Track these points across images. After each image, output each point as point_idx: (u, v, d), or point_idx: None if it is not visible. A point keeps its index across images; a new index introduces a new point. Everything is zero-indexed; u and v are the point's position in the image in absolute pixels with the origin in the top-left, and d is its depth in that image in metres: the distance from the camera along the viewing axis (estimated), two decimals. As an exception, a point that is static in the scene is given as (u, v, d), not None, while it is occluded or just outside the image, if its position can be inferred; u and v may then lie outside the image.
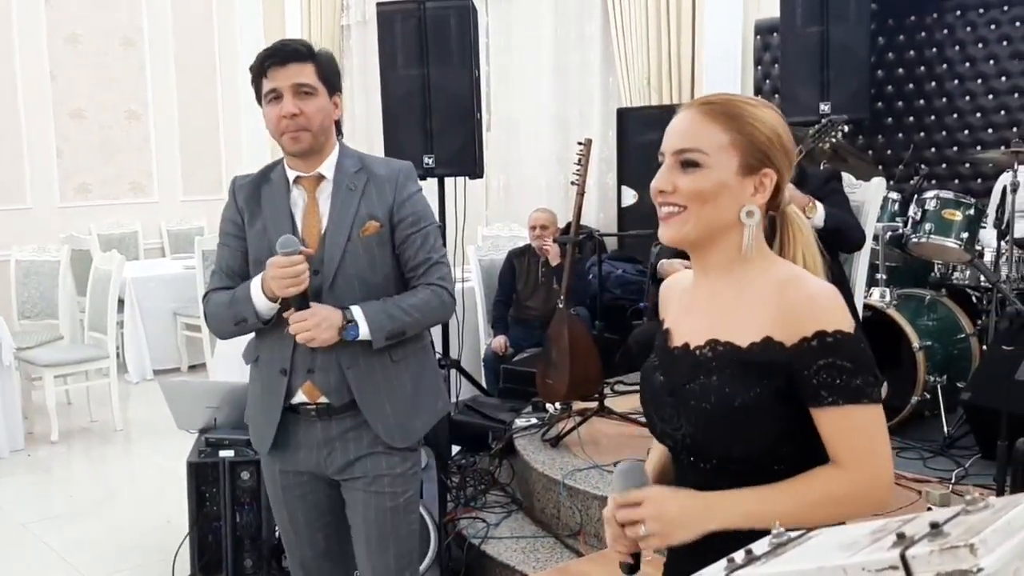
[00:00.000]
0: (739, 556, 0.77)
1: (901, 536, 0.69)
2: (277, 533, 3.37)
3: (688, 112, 1.39)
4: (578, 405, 3.96)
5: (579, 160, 3.87)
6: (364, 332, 2.08)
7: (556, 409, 4.00)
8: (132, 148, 8.31)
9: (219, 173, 8.79)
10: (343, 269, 2.13)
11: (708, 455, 1.37)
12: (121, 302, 6.16)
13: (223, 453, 3.25)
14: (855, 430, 1.28)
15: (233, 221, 2.23)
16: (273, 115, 2.11)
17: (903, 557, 0.67)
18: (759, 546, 0.79)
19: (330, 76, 2.16)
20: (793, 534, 0.81)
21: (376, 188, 2.18)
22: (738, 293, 1.37)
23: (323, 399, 2.16)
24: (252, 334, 2.25)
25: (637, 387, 1.62)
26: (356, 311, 2.08)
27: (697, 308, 1.43)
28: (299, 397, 2.17)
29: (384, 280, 2.18)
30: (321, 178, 2.18)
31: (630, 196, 5.77)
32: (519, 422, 3.98)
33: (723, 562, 0.77)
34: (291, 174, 2.19)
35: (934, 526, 0.68)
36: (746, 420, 1.30)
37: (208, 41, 8.65)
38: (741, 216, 1.36)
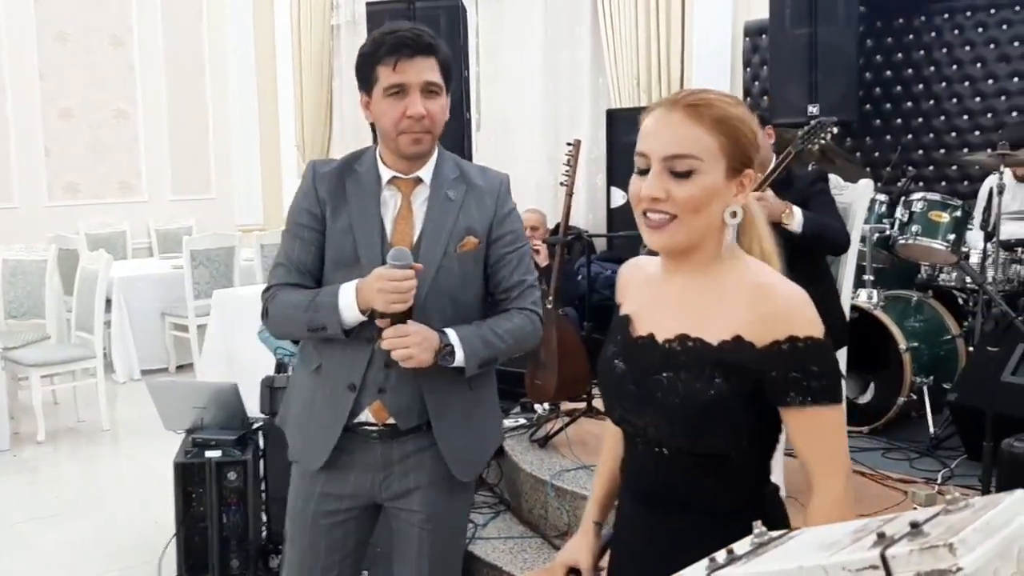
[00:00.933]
0: (720, 556, 0.77)
1: (881, 536, 0.69)
2: (264, 534, 3.36)
3: (673, 114, 1.33)
4: (566, 405, 3.96)
5: (568, 161, 3.87)
6: (460, 359, 1.89)
7: (544, 409, 4.01)
8: (121, 147, 8.29)
9: (208, 173, 8.78)
10: (436, 285, 1.93)
11: (670, 445, 1.38)
12: (108, 302, 6.13)
13: (209, 453, 3.24)
14: (819, 429, 1.33)
15: (311, 212, 1.99)
16: (395, 112, 1.90)
17: (883, 557, 0.67)
18: (740, 546, 0.79)
19: (450, 72, 1.97)
20: (775, 534, 0.81)
21: (476, 200, 2.00)
22: (711, 291, 1.37)
23: (390, 420, 1.97)
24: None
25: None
26: (452, 335, 1.89)
27: (665, 301, 1.42)
28: (364, 416, 1.98)
29: (473, 300, 2.01)
30: (418, 181, 1.98)
31: (619, 197, 5.77)
32: (507, 423, 3.97)
33: (705, 561, 0.77)
34: (385, 172, 1.98)
35: (914, 526, 0.69)
36: (713, 416, 1.32)
37: (197, 40, 8.63)
38: (725, 217, 1.35)
